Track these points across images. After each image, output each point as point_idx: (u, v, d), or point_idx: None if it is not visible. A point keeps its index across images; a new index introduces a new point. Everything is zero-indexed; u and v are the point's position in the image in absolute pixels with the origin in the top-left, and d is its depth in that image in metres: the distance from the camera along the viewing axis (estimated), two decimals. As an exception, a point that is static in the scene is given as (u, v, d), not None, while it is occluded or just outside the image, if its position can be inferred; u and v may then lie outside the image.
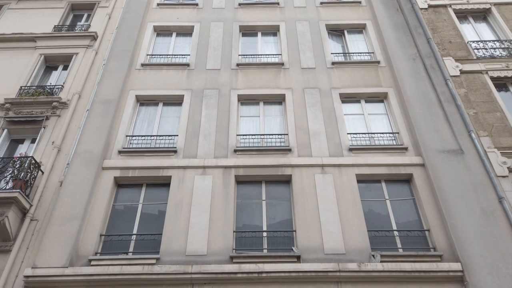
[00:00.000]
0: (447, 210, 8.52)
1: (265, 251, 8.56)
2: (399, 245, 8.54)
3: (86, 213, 8.76)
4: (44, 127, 10.32)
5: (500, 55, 11.50)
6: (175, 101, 11.32)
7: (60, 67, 12.36)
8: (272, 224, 9.04)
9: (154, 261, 8.17)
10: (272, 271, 7.90)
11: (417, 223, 8.93)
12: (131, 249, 8.56)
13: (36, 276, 7.74)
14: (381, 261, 8.06)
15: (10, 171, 8.69)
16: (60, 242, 8.22)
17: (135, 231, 8.85)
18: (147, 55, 12.50)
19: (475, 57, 11.40)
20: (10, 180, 8.59)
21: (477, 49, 11.68)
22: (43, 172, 9.35)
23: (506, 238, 8.04)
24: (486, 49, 11.69)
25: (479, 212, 8.44)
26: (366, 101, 11.30)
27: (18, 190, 8.32)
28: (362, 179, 9.57)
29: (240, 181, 9.70)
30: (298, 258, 8.27)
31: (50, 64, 12.49)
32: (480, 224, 8.27)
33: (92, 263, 8.14)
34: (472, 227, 8.22)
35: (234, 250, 8.49)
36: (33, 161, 9.08)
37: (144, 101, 11.42)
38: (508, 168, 9.07)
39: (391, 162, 9.66)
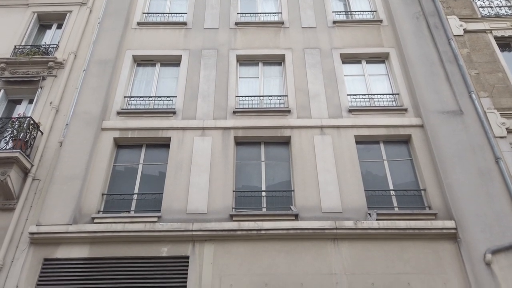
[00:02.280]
0: (443, 170, 8.64)
1: (264, 209, 8.76)
2: (395, 204, 8.74)
3: (87, 173, 8.87)
4: (41, 88, 10.22)
5: (505, 13, 11.20)
6: (173, 61, 11.12)
7: (54, 26, 12.05)
8: (271, 184, 9.18)
9: (155, 219, 8.38)
10: (271, 229, 8.12)
11: (413, 183, 9.08)
12: (132, 208, 8.76)
13: (41, 233, 7.97)
14: (377, 219, 8.27)
15: (9, 132, 8.70)
16: (63, 201, 8.39)
17: (136, 191, 9.01)
18: (143, 13, 12.15)
19: (479, 16, 11.11)
20: (10, 141, 8.63)
21: (482, 7, 11.36)
22: (42, 133, 9.36)
23: (501, 197, 8.21)
24: (491, 7, 11.37)
25: (475, 172, 8.56)
26: (367, 62, 11.12)
27: (19, 150, 8.37)
28: (360, 140, 9.61)
29: (239, 142, 9.75)
30: (296, 217, 8.47)
31: (44, 22, 12.16)
32: (475, 183, 8.41)
33: (95, 221, 8.35)
34: (467, 187, 8.37)
35: (233, 209, 8.68)
36: (32, 122, 9.07)
37: (141, 61, 11.23)
38: (506, 129, 9.09)
39: (390, 123, 9.66)
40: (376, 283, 7.63)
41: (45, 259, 7.90)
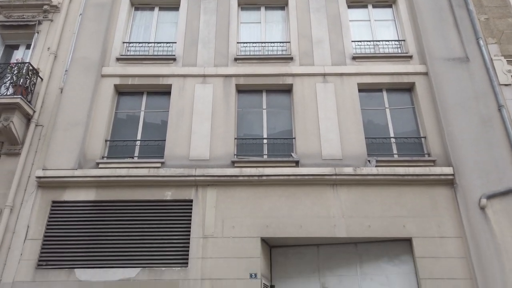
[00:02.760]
0: (445, 118, 8.64)
1: (265, 156, 8.90)
2: (395, 151, 8.86)
3: (89, 120, 8.92)
4: (38, 32, 9.98)
5: (522, -46, 10.57)
6: (172, 5, 10.74)
7: (46, -33, 11.47)
8: (272, 132, 9.24)
9: (159, 165, 8.55)
10: (272, 175, 8.29)
11: (414, 131, 9.12)
12: (136, 154, 8.91)
13: (47, 177, 8.18)
14: (376, 166, 8.42)
15: (9, 78, 8.62)
16: (67, 147, 8.52)
17: (139, 138, 9.10)
18: (139, -47, 11.52)
19: (494, -44, 10.50)
20: (10, 86, 8.57)
21: None
22: (42, 79, 9.28)
23: (500, 144, 8.27)
24: None
25: (477, 120, 8.56)
26: (374, 6, 10.72)
27: (20, 96, 8.36)
28: (363, 88, 9.53)
29: (241, 90, 9.67)
30: (296, 163, 8.62)
31: (35, -37, 11.56)
32: (476, 131, 8.44)
33: (100, 166, 8.53)
34: (468, 134, 8.41)
35: (235, 156, 8.82)
36: (31, 67, 8.96)
37: (139, 5, 10.84)
38: (512, 76, 8.97)
39: (395, 70, 9.51)
40: (372, 226, 7.93)
41: (53, 202, 8.19)
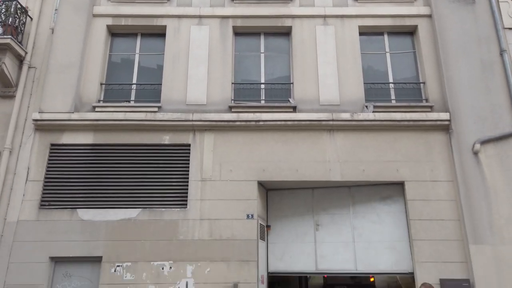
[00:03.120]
0: (446, 62, 8.50)
1: (262, 102, 8.85)
2: (392, 97, 8.83)
3: (83, 62, 8.73)
4: (23, -32, 9.41)
5: None
6: None
7: None
8: (270, 77, 9.11)
9: (156, 109, 8.52)
10: (269, 120, 8.30)
11: (414, 77, 9.01)
12: (132, 98, 8.83)
13: (44, 120, 8.17)
14: (373, 112, 8.42)
15: (-3, 17, 8.28)
16: (62, 89, 8.41)
17: (134, 81, 8.97)
18: None
19: None
20: (-1, 26, 8.28)
21: None
22: (31, 18, 8.92)
23: (500, 90, 8.23)
24: None
25: (478, 65, 8.43)
26: None
27: (10, 36, 8.09)
28: (364, 31, 9.26)
29: (238, 32, 9.38)
30: (294, 109, 8.60)
31: None
32: (476, 76, 8.36)
33: (97, 109, 8.49)
34: (467, 80, 8.33)
35: (232, 101, 8.77)
36: (19, 6, 8.57)
37: None
38: (517, 20, 8.69)
39: (397, 13, 9.18)
40: (366, 170, 8.11)
41: (52, 144, 8.25)
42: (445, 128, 8.22)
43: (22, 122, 8.26)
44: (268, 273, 8.40)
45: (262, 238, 8.27)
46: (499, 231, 7.42)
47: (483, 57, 8.44)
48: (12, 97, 8.33)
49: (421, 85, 8.85)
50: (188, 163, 8.22)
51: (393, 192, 8.29)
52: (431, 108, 8.45)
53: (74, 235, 7.64)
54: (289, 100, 8.72)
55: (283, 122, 8.30)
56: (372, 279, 15.78)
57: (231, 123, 8.32)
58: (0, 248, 7.49)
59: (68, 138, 8.28)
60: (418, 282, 7.45)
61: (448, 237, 7.61)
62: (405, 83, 8.90)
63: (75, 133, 8.29)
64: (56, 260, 7.60)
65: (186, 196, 8.01)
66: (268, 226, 8.77)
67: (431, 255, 7.53)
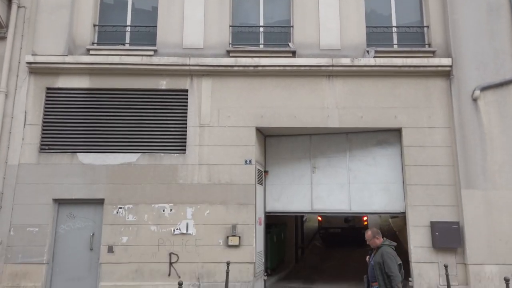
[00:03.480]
0: (452, 5, 8.20)
1: (261, 46, 8.64)
2: (395, 42, 8.62)
3: (74, 1, 8.36)
4: None
5: None
6: None
7: None
8: (269, 20, 8.82)
9: (151, 53, 8.32)
10: (268, 65, 8.15)
11: (418, 21, 8.74)
12: (127, 41, 8.60)
13: (38, 63, 8.00)
14: (375, 57, 8.25)
15: (-21, -49, 7.79)
16: (54, 31, 8.15)
17: (128, 23, 8.68)
18: None
19: None
20: (-18, -38, 7.81)
21: None
22: (17, -46, 8.41)
23: (504, 34, 8.02)
24: None
25: (484, 8, 8.14)
26: None
27: (-5, -27, 7.68)
28: (368, -28, 8.82)
29: (236, -29, 8.92)
30: (293, 53, 8.42)
31: None
32: (481, 20, 8.10)
33: (91, 52, 8.30)
34: (472, 24, 8.09)
35: (230, 45, 8.55)
36: None
37: None
38: (530, -41, 8.26)
39: (404, -49, 8.69)
40: (365, 116, 8.11)
41: (48, 88, 8.15)
42: (446, 74, 8.11)
43: (15, 65, 8.08)
44: (265, 212, 8.70)
45: (260, 182, 8.47)
46: (492, 177, 7.59)
47: (490, 1, 8.13)
48: (3, 38, 8.06)
49: (425, 29, 8.60)
50: (186, 109, 8.18)
51: (390, 137, 8.39)
52: (433, 54, 8.28)
53: (76, 178, 7.80)
54: (288, 45, 8.51)
55: (282, 68, 8.16)
56: (365, 223, 16.33)
57: (229, 68, 8.17)
58: (4, 190, 7.66)
59: (63, 82, 8.16)
60: (410, 224, 7.75)
61: (441, 182, 7.81)
62: (408, 27, 8.65)
63: (70, 77, 8.15)
64: (60, 202, 7.81)
65: (185, 142, 8.07)
66: (266, 171, 8.94)
67: (423, 199, 7.76)
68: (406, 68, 8.08)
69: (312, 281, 9.95)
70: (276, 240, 10.72)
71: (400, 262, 5.00)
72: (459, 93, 7.93)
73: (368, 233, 5.13)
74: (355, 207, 8.36)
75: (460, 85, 7.95)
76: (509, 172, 7.58)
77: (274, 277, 9.94)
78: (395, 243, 5.12)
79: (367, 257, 5.23)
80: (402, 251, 12.97)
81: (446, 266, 6.07)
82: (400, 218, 18.93)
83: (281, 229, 11.63)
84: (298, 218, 13.95)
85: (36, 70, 8.12)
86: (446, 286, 7.22)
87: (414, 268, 7.55)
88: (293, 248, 13.00)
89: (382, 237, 5.10)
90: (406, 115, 8.08)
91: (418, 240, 7.63)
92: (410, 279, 7.71)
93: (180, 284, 4.54)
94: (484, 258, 7.32)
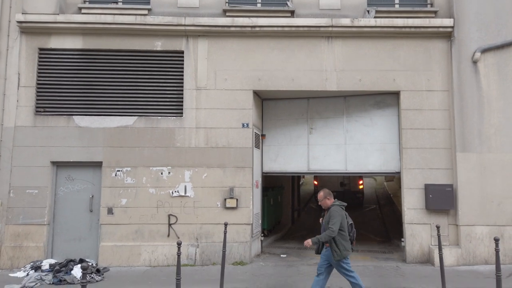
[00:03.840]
0: (456, -37, 7.92)
1: (259, 5, 8.39)
2: (396, 1, 8.39)
3: (63, -43, 8.02)
4: None
5: None
6: None
7: None
8: (267, -22, 8.50)
9: (146, 12, 8.08)
10: (265, 25, 7.95)
11: (420, -20, 8.47)
12: None
13: (29, 22, 7.76)
14: (375, 17, 8.05)
15: None
16: (44, -12, 7.86)
17: (121, -20, 8.36)
18: None
19: None
20: None
21: None
22: None
23: (508, -6, 7.81)
24: None
25: (490, -34, 7.87)
26: None
27: None
28: None
29: None
30: (292, 13, 8.20)
31: None
32: (486, -21, 7.85)
33: (83, 11, 8.05)
34: (477, -17, 7.85)
35: (227, 3, 8.29)
36: None
37: None
38: None
39: None
40: (363, 79, 8.03)
41: (40, 49, 7.96)
42: (447, 35, 7.95)
43: (6, 24, 7.84)
44: (262, 173, 8.82)
45: (257, 146, 8.50)
46: (487, 140, 7.65)
47: (496, -43, 7.84)
48: (-9, -4, 7.80)
49: (428, -12, 8.34)
50: (182, 71, 8.06)
51: (388, 98, 8.36)
52: (435, 14, 8.07)
53: (73, 141, 7.79)
54: (287, 3, 8.26)
55: (280, 28, 7.96)
56: (361, 187, 16.65)
57: (225, 28, 7.96)
58: (1, 153, 7.67)
59: (56, 43, 7.95)
60: (404, 187, 7.88)
61: (437, 146, 7.86)
62: (410, -15, 8.38)
63: (63, 37, 7.95)
64: (58, 165, 7.85)
65: (182, 105, 8.01)
66: (263, 135, 8.96)
67: (418, 162, 7.85)
68: (407, 29, 7.90)
69: (308, 242, 10.25)
70: (273, 203, 10.93)
71: (351, 222, 5.16)
72: (459, 55, 7.81)
73: (320, 194, 5.24)
74: (351, 167, 8.47)
75: (461, 47, 7.82)
76: (505, 135, 7.62)
77: (270, 238, 10.22)
78: (345, 204, 5.23)
79: (320, 219, 5.33)
80: (396, 213, 13.34)
81: (438, 227, 6.23)
82: (395, 182, 19.27)
83: (278, 192, 11.82)
84: (294, 181, 14.15)
85: (27, 30, 7.89)
86: (437, 246, 7.46)
87: (407, 229, 7.76)
88: (290, 210, 13.29)
89: (334, 199, 5.19)
90: (404, 78, 8.00)
91: (411, 202, 7.79)
92: (402, 239, 7.96)
93: (179, 244, 4.63)
94: (475, 219, 7.51)
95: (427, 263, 7.58)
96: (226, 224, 6.43)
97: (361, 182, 17.03)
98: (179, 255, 4.64)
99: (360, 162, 8.43)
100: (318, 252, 5.12)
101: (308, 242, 4.86)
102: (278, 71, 8.06)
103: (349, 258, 5.00)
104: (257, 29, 7.97)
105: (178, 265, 4.62)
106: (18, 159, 7.70)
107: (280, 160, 8.77)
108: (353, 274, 4.96)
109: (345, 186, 16.59)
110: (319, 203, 5.25)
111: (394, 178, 19.69)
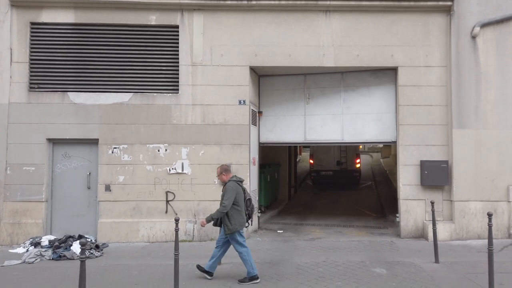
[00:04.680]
0: None
1: (255, -21, 8.17)
2: (396, -24, 8.18)
3: None
4: None
5: None
6: None
7: None
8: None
9: (139, -15, 7.86)
10: (262, -1, 7.78)
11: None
12: (112, -28, 8.06)
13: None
14: (374, -9, 7.88)
15: None
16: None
17: (113, -48, 8.08)
18: None
19: None
20: None
21: None
22: None
23: (510, -34, 7.64)
24: None
25: None
26: None
27: None
28: None
29: None
30: (289, -13, 8.00)
31: None
32: (488, -49, 7.66)
33: (74, -16, 7.82)
34: (478, -45, 7.65)
35: (222, -23, 8.07)
36: None
37: None
38: None
39: None
40: (361, 55, 7.94)
41: (32, 23, 7.79)
42: (446, 9, 7.82)
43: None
44: (259, 143, 8.88)
45: (254, 123, 8.48)
46: (484, 116, 7.65)
47: None
48: (-22, -32, 7.54)
49: (428, -39, 8.12)
50: (178, 46, 7.93)
51: (385, 75, 8.33)
52: (435, -12, 7.92)
53: (68, 118, 7.73)
54: (284, -23, 8.05)
55: (277, 2, 7.80)
56: (358, 166, 16.56)
57: (221, 2, 7.80)
58: (-4, 130, 7.64)
59: (48, 16, 7.77)
60: (400, 163, 7.93)
61: (433, 122, 7.87)
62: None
63: (54, 11, 7.76)
64: (54, 142, 7.82)
65: (178, 81, 7.92)
66: (259, 112, 8.92)
67: (414, 139, 7.87)
68: (406, 3, 7.77)
69: (304, 218, 10.40)
70: (270, 179, 11.00)
71: (249, 197, 5.31)
72: (458, 30, 7.71)
73: (218, 169, 5.41)
74: (348, 137, 8.53)
75: (460, 21, 7.71)
76: (501, 112, 7.63)
77: (267, 214, 10.35)
78: (243, 179, 5.38)
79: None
80: (392, 190, 13.48)
81: (432, 203, 6.32)
82: (390, 158, 19.35)
83: (275, 169, 11.89)
84: (291, 158, 14.21)
85: (17, 3, 7.69)
86: (431, 222, 7.59)
87: (402, 204, 7.86)
88: (287, 187, 13.41)
89: (232, 174, 5.32)
90: (403, 54, 7.92)
91: (407, 178, 7.85)
92: (397, 215, 8.08)
93: (177, 221, 4.69)
94: (469, 195, 7.61)
95: (421, 238, 7.72)
96: (223, 200, 6.48)
97: (358, 161, 16.66)
98: (177, 231, 4.70)
99: (357, 132, 8.47)
100: (217, 225, 5.28)
101: (203, 221, 5.10)
102: (275, 47, 7.95)
103: (243, 233, 5.23)
104: (254, 2, 7.80)
105: (176, 240, 4.68)
106: (13, 136, 7.66)
107: (277, 130, 8.81)
108: (243, 250, 5.17)
109: (341, 165, 16.30)
110: (217, 178, 5.43)
111: (390, 155, 19.81)
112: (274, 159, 12.56)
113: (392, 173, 16.24)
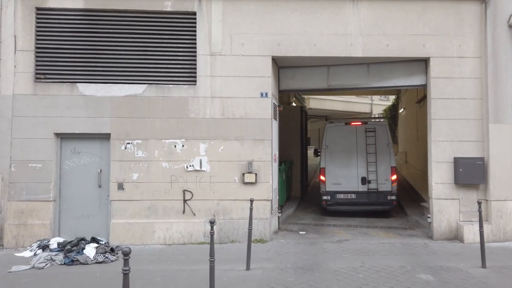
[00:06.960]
0: None
1: (278, -38, 7.64)
2: (429, -41, 7.70)
3: None
4: None
5: None
6: None
7: None
8: None
9: (154, -32, 7.29)
10: (285, -15, 7.26)
11: None
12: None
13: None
14: (406, -24, 7.38)
15: None
16: None
17: None
18: None
19: None
20: None
21: None
22: None
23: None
24: None
25: None
26: None
27: None
28: None
29: None
30: (314, -28, 7.48)
31: None
32: None
33: (84, -34, 7.22)
34: None
35: (243, -40, 7.53)
36: None
37: None
38: None
39: None
40: (391, 45, 7.45)
41: (37, 9, 7.20)
42: (482, -4, 7.36)
43: (-3, -21, 7.05)
44: (279, 91, 8.38)
45: (275, 118, 7.97)
46: (522, 110, 7.20)
47: None
48: None
49: None
50: (195, 35, 7.38)
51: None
52: (471, -27, 7.44)
53: (78, 111, 7.17)
54: (308, -39, 7.53)
55: (301, -13, 7.29)
56: (393, 184, 9.93)
57: (241, -13, 7.26)
58: (0, 123, 7.03)
59: (55, 1, 7.19)
60: (432, 160, 7.44)
61: (467, 116, 7.40)
62: None
63: (62, -5, 7.19)
64: (62, 137, 7.25)
65: (195, 72, 7.38)
66: (279, 106, 8.41)
67: (447, 134, 7.40)
68: (439, -14, 7.29)
69: (321, 218, 9.90)
70: (285, 177, 10.49)
71: None
72: (494, 18, 7.25)
73: None
74: (374, 83, 8.14)
75: (496, 9, 7.25)
76: (540, 105, 7.18)
77: (284, 214, 9.83)
78: None
79: None
80: (407, 189, 12.87)
81: (479, 203, 5.63)
82: (398, 156, 18.52)
83: (289, 167, 11.38)
84: (303, 156, 13.64)
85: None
86: (466, 222, 7.14)
87: (434, 204, 7.38)
88: (299, 185, 12.90)
89: None
90: (434, 44, 7.43)
91: (440, 177, 7.37)
92: (428, 215, 7.61)
93: (212, 223, 4.20)
94: (507, 194, 7.15)
95: (455, 240, 7.26)
96: (252, 201, 5.99)
97: (394, 177, 9.78)
98: (212, 234, 4.24)
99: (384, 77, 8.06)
100: None
101: None
102: (299, 35, 7.43)
103: None
104: (277, -12, 7.28)
105: (212, 245, 4.18)
106: (18, 130, 7.08)
107: (298, 77, 8.34)
108: None
109: (369, 184, 9.83)
110: None
111: (398, 153, 19.27)
112: (288, 156, 12.04)
113: (409, 174, 15.82)
